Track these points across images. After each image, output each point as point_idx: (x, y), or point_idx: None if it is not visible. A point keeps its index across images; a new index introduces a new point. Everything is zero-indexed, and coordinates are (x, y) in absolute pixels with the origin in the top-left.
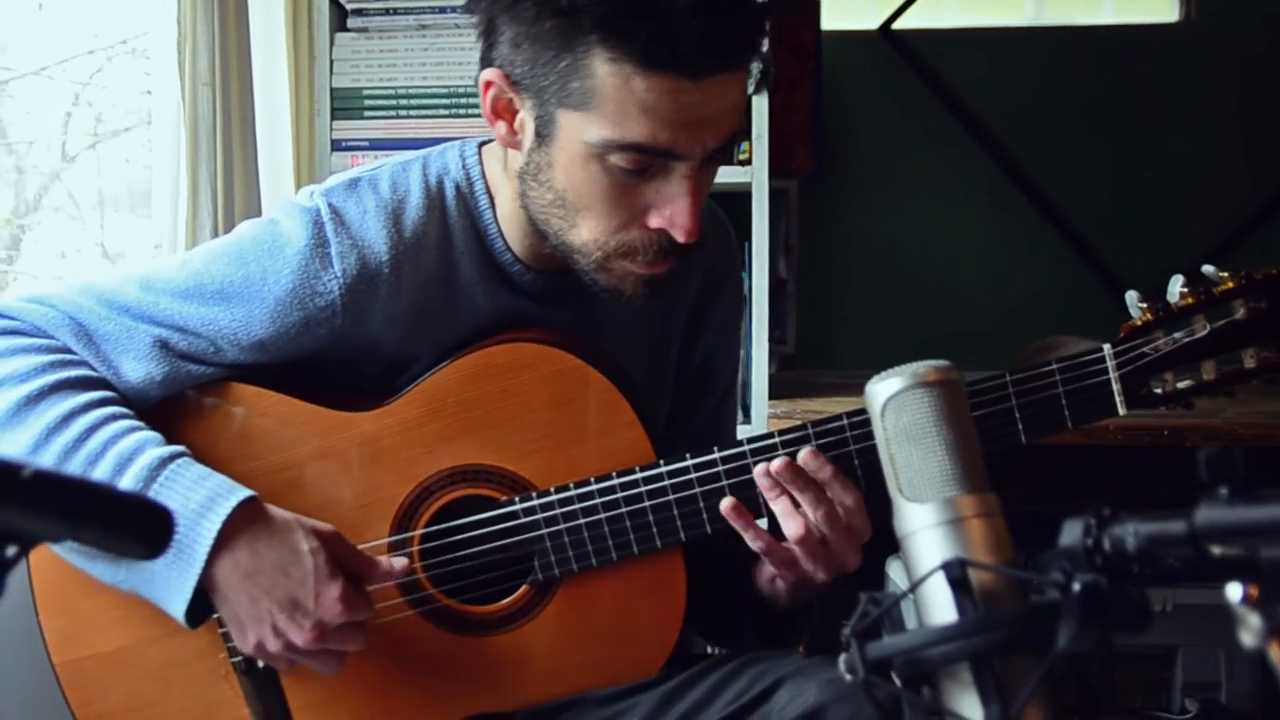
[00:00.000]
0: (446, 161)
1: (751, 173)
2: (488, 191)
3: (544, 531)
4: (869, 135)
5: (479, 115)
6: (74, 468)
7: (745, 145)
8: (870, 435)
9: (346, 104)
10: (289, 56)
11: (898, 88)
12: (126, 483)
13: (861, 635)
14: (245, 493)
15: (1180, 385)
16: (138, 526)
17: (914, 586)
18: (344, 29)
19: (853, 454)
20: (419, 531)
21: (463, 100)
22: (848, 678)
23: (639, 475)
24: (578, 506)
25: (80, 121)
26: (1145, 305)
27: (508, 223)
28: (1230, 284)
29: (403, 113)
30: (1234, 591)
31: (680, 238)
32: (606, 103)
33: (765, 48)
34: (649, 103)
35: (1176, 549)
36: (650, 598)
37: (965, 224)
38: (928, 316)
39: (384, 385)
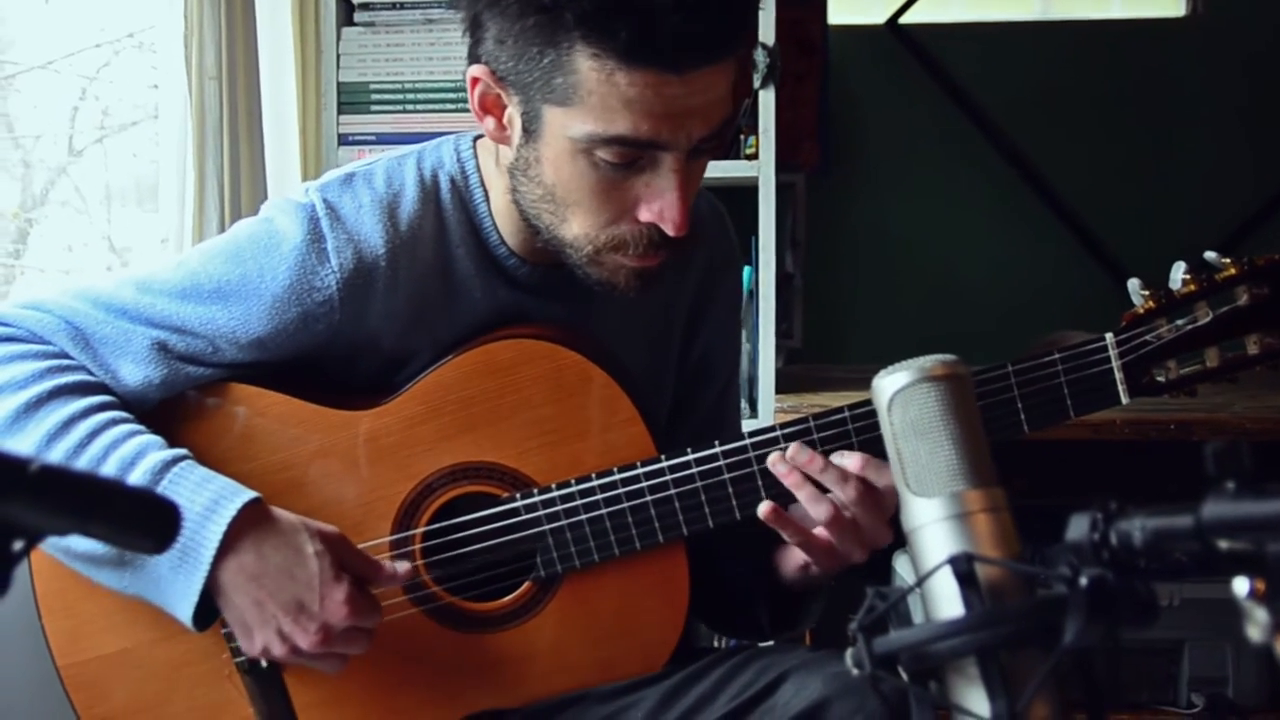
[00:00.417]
0: (441, 155)
1: (758, 167)
2: (482, 185)
3: (546, 528)
4: (876, 129)
5: None
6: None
7: (752, 140)
8: (873, 428)
9: (353, 98)
10: (295, 51)
11: (905, 82)
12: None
13: (868, 629)
14: (250, 495)
15: (1184, 372)
16: (144, 520)
17: (921, 581)
18: (350, 23)
19: (855, 446)
20: (421, 529)
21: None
22: (854, 672)
23: (640, 470)
24: (579, 502)
25: (87, 115)
26: (1148, 293)
27: (502, 217)
28: (1232, 270)
29: (409, 107)
30: (1241, 586)
31: (670, 230)
32: (590, 98)
33: (771, 42)
34: (632, 97)
35: (1183, 543)
36: (653, 592)
37: (972, 218)
38: (934, 311)
39: (383, 382)
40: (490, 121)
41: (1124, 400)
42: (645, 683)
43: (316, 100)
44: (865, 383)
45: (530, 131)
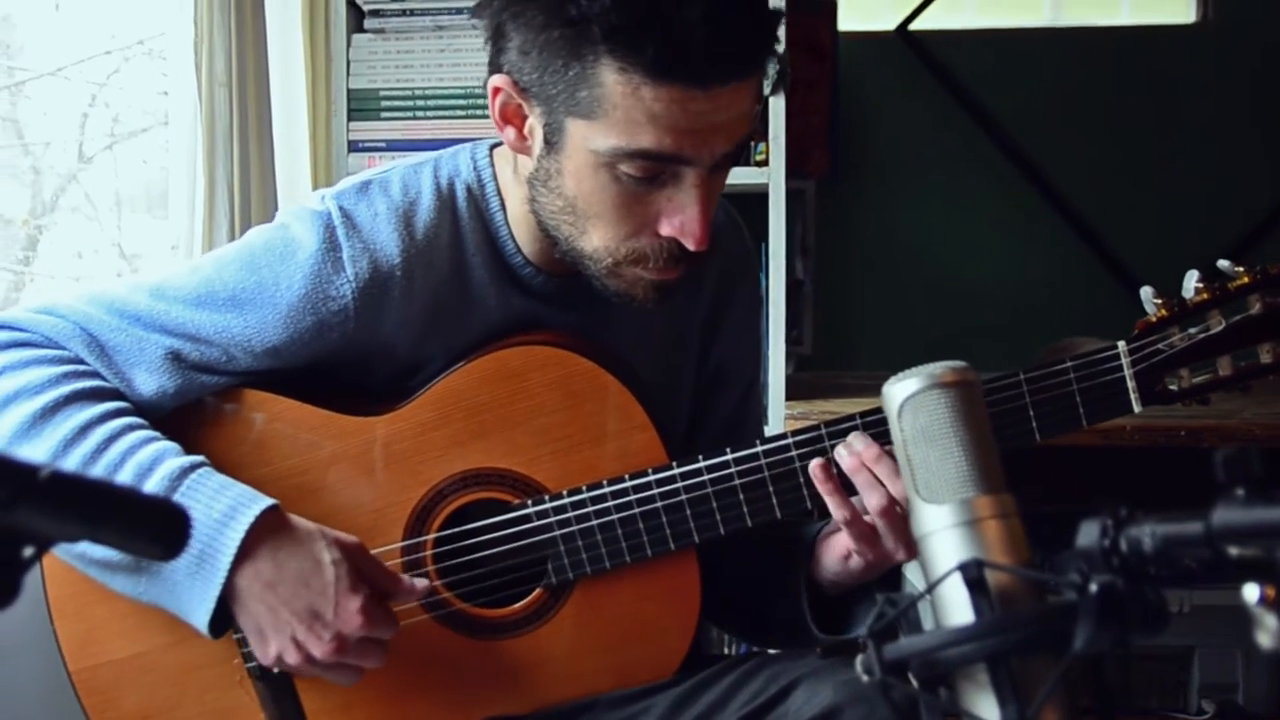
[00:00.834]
0: (458, 164)
1: (768, 174)
2: (499, 194)
3: (557, 534)
4: (886, 136)
5: None
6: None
7: (762, 146)
8: (885, 435)
9: (363, 105)
10: (306, 57)
11: (915, 89)
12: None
13: (878, 636)
14: (267, 502)
15: (1196, 381)
16: (154, 527)
17: (931, 587)
18: (361, 30)
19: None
20: (432, 535)
21: (479, 101)
22: (864, 678)
23: (651, 477)
24: (590, 509)
25: (97, 122)
26: (1160, 301)
27: (519, 225)
28: (1246, 279)
29: (419, 114)
30: (1251, 592)
31: (690, 245)
32: (615, 111)
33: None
34: (657, 112)
35: (1193, 550)
36: (664, 599)
37: (982, 224)
38: (945, 317)
39: (395, 388)
40: (511, 131)
41: (1136, 409)
42: (656, 689)
43: (327, 107)
44: (875, 389)
45: (552, 143)
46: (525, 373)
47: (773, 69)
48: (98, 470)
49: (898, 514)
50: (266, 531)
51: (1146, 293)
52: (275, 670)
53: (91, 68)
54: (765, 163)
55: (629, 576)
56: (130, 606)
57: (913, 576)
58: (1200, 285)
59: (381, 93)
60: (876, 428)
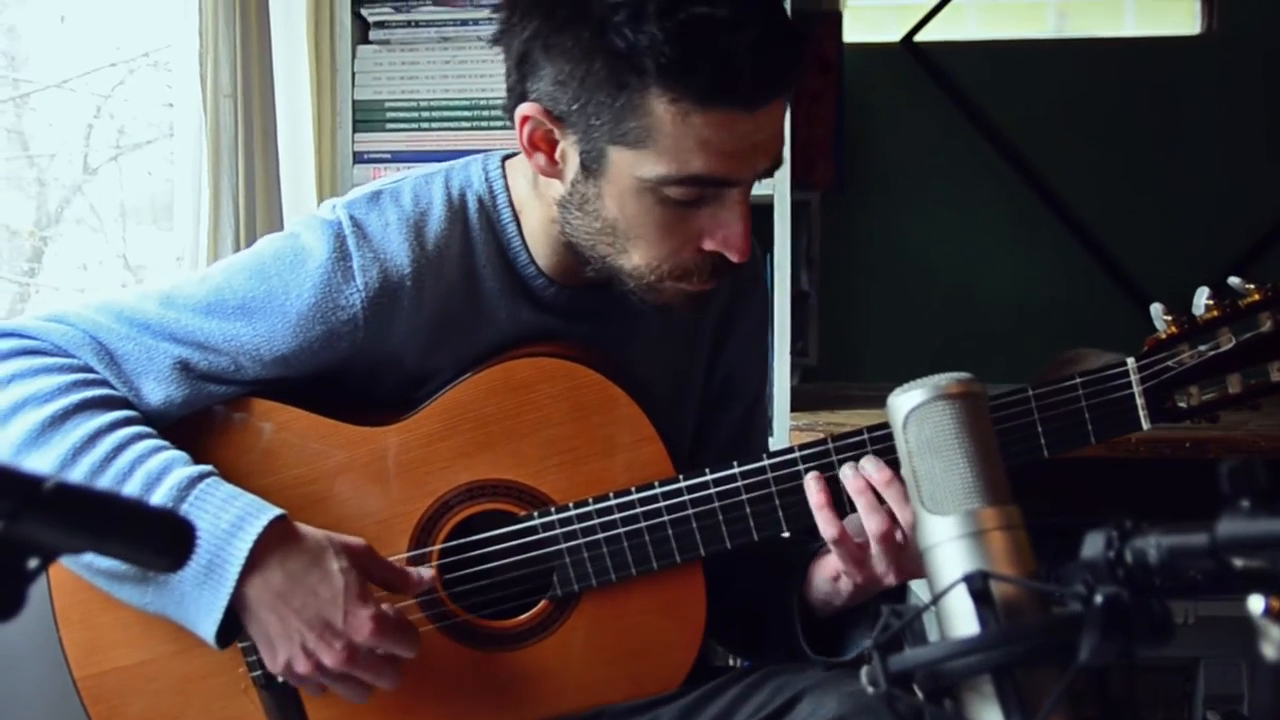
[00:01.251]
0: (469, 175)
1: (774, 185)
2: (511, 206)
3: (563, 546)
4: (891, 147)
5: (501, 127)
6: (102, 487)
7: None
8: (892, 450)
9: (368, 116)
10: (311, 69)
11: (920, 100)
12: (155, 502)
13: (883, 647)
14: (275, 511)
15: (1206, 398)
16: (160, 538)
17: (936, 599)
18: (366, 41)
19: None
20: (438, 546)
21: (485, 112)
22: (870, 690)
23: (658, 490)
24: (596, 522)
25: (102, 134)
26: (1170, 318)
27: (534, 238)
28: (1256, 296)
29: (424, 125)
30: (1256, 604)
31: (734, 258)
32: (664, 139)
33: None
34: (708, 137)
35: (1198, 561)
36: (670, 612)
37: (988, 236)
38: (950, 329)
39: (402, 398)
40: (540, 158)
41: (1145, 426)
42: (661, 701)
43: (332, 118)
44: (880, 401)
45: (591, 169)
46: (533, 384)
47: None
48: (106, 479)
49: (895, 541)
50: (275, 541)
51: (1156, 309)
52: (281, 679)
53: (97, 79)
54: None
55: (635, 589)
56: (136, 614)
57: (918, 588)
58: (1210, 302)
59: (386, 104)
60: (884, 442)
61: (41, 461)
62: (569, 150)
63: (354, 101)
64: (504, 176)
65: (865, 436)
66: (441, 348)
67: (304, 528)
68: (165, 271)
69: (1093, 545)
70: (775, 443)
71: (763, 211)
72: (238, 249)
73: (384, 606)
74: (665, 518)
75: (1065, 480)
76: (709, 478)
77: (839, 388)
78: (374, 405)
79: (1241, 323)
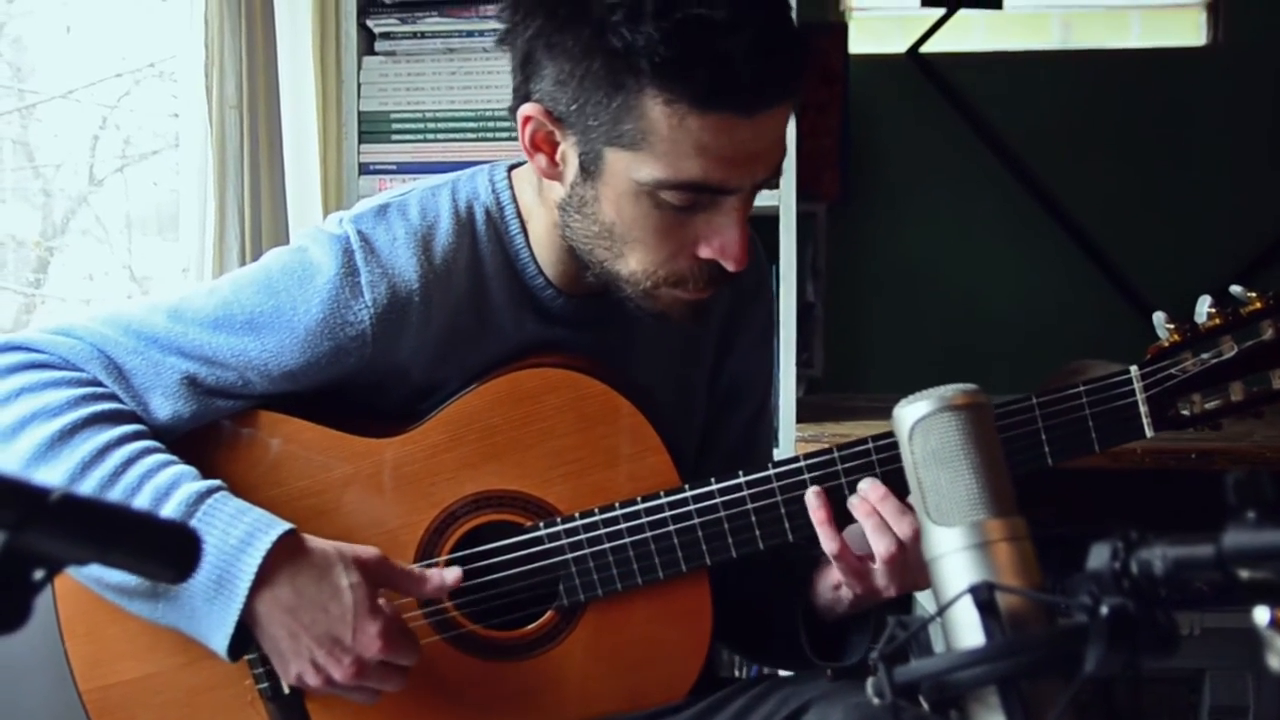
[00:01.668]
0: (476, 186)
1: (779, 196)
2: (518, 215)
3: (569, 556)
4: (897, 159)
5: (506, 139)
6: (109, 500)
7: None
8: (896, 459)
9: (374, 127)
10: (316, 80)
11: (925, 111)
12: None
13: (889, 659)
14: (284, 526)
15: (1208, 406)
16: (166, 550)
17: (942, 610)
18: (371, 52)
19: (879, 478)
20: (444, 558)
21: (490, 123)
22: (875, 701)
23: (663, 500)
24: (602, 532)
25: (108, 145)
26: (1172, 326)
27: (540, 247)
28: (1258, 304)
29: (430, 136)
30: (1262, 615)
31: (730, 267)
32: (660, 143)
33: None
34: (703, 141)
35: (1204, 573)
36: (676, 622)
37: (993, 247)
38: (956, 339)
39: (410, 409)
40: (542, 159)
41: (1149, 434)
42: (667, 712)
43: (337, 129)
44: (885, 412)
45: (589, 171)
46: (538, 395)
47: None
48: (115, 493)
49: (899, 560)
50: (284, 556)
51: (1159, 318)
52: (285, 688)
53: (102, 90)
54: (776, 185)
55: (641, 598)
56: (142, 627)
57: (923, 599)
58: (1213, 310)
59: (392, 115)
60: (889, 451)
61: (50, 476)
62: (569, 152)
63: (359, 112)
64: (510, 186)
65: (870, 445)
66: (449, 360)
67: (313, 541)
68: (170, 283)
69: (1098, 556)
70: (780, 454)
71: (768, 223)
72: (243, 260)
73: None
74: (671, 528)
75: (1071, 491)
76: (714, 487)
77: (844, 399)
78: (381, 417)
79: (1243, 331)
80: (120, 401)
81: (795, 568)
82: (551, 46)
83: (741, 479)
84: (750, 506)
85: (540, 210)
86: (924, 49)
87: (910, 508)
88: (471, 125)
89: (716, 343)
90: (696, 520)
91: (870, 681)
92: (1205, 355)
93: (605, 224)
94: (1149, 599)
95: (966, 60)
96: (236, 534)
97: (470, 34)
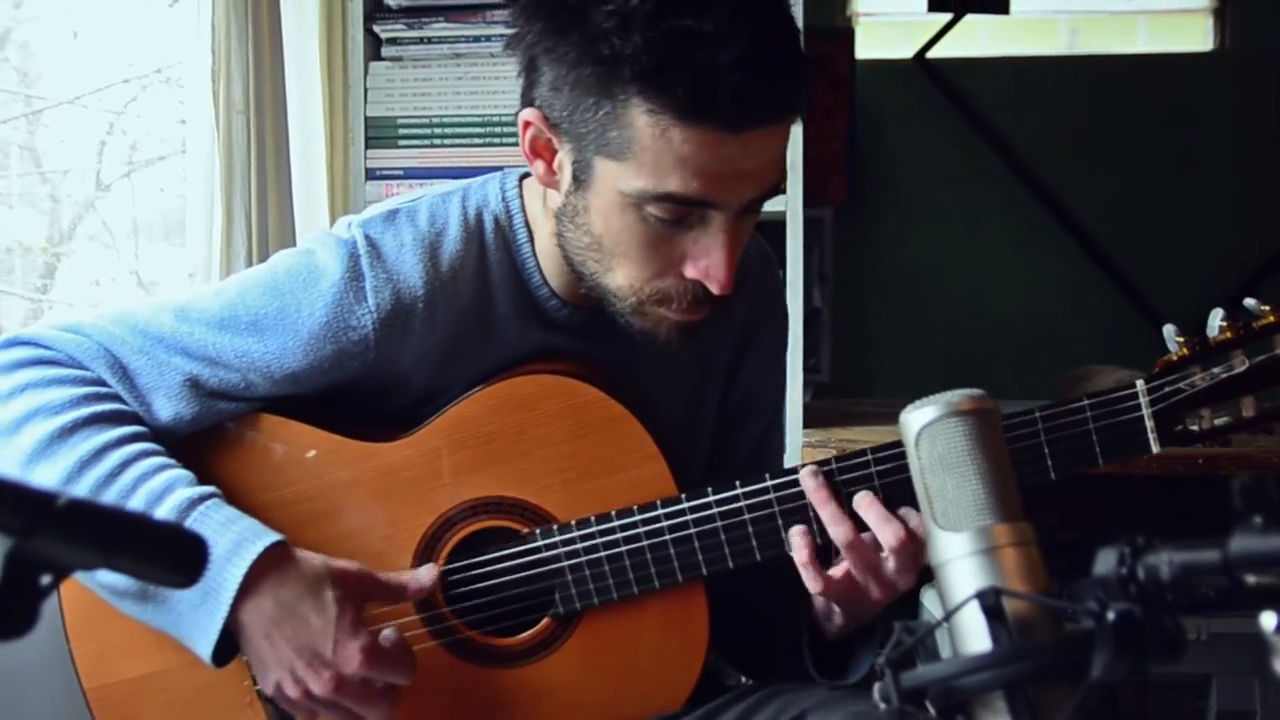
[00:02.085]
0: (487, 194)
1: (786, 201)
2: (527, 226)
3: (565, 565)
4: (903, 164)
5: (514, 145)
6: (104, 502)
7: None
8: (896, 471)
9: (381, 133)
10: (323, 85)
11: (932, 116)
12: None
13: (895, 664)
14: (273, 537)
15: (1218, 422)
16: (172, 555)
17: (948, 615)
18: (378, 58)
19: (877, 490)
20: (441, 565)
21: (497, 129)
22: (882, 706)
23: (660, 510)
24: (599, 540)
25: (115, 150)
26: (1182, 340)
27: (546, 258)
28: (1271, 318)
29: (437, 142)
30: (1268, 620)
31: (715, 289)
32: (644, 153)
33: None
34: (686, 155)
35: (1211, 578)
36: (672, 631)
37: (1000, 252)
38: (962, 344)
39: (411, 415)
40: (540, 165)
41: (1154, 449)
42: None
43: (344, 135)
44: (892, 417)
45: (580, 180)
46: (536, 401)
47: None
48: (110, 495)
49: (865, 548)
50: (271, 567)
51: (1169, 330)
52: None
53: (109, 96)
54: (782, 190)
55: (637, 607)
56: (145, 628)
57: (930, 604)
58: (1224, 324)
59: (399, 120)
60: (888, 463)
61: (48, 473)
62: (564, 159)
63: (366, 118)
64: (521, 195)
65: (869, 458)
66: (452, 367)
67: (301, 553)
68: (177, 288)
69: (1105, 562)
70: (787, 459)
71: (775, 227)
72: (250, 265)
73: (385, 632)
74: (667, 536)
75: (1077, 496)
76: (712, 498)
77: (851, 404)
78: (383, 422)
79: (1256, 345)
80: (123, 401)
81: (796, 583)
82: (549, 52)
83: (739, 489)
84: (748, 517)
85: (544, 220)
86: (931, 54)
87: (895, 515)
88: (479, 130)
89: (730, 355)
90: (693, 530)
91: (876, 687)
92: (1215, 369)
93: (595, 235)
94: (1156, 604)
95: (973, 65)
96: (225, 543)
97: (477, 39)
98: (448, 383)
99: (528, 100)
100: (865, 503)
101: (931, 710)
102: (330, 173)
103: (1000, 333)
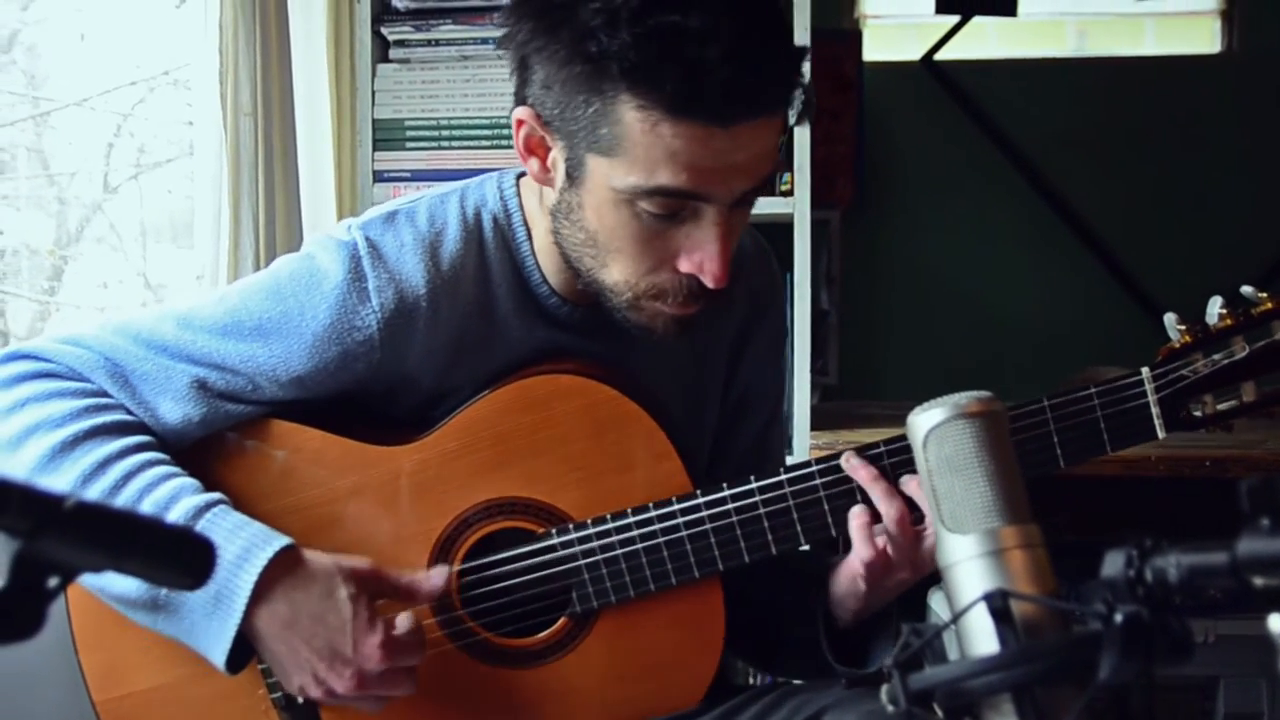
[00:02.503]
0: (484, 193)
1: (793, 203)
2: (525, 224)
3: (581, 564)
4: (911, 166)
5: None
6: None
7: (787, 176)
8: (907, 463)
9: (388, 135)
10: (331, 87)
11: (940, 118)
12: None
13: (904, 666)
14: (282, 541)
15: (1220, 407)
16: (180, 557)
17: (956, 617)
18: (386, 60)
19: (888, 473)
20: (457, 565)
21: (505, 131)
22: (890, 709)
23: (676, 507)
24: (615, 539)
25: (122, 152)
26: (1184, 328)
27: (545, 256)
28: (1269, 305)
29: (444, 144)
30: (1276, 622)
31: (709, 283)
32: (634, 149)
33: (807, 79)
34: (676, 149)
35: (1218, 580)
36: (689, 629)
37: (1007, 254)
38: (970, 346)
39: (421, 418)
40: (534, 163)
41: (1160, 435)
42: (680, 719)
43: (352, 137)
44: (900, 419)
45: (574, 177)
46: (549, 401)
47: (798, 99)
48: (116, 506)
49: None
50: (282, 571)
51: (1170, 319)
52: (299, 698)
53: (117, 98)
54: (790, 192)
55: (653, 605)
56: (155, 638)
57: (938, 606)
58: (1224, 311)
59: (406, 123)
60: (899, 455)
61: (51, 487)
62: (558, 157)
63: (374, 120)
64: (518, 194)
65: (882, 449)
66: (459, 367)
67: (311, 555)
68: (185, 290)
69: (1113, 564)
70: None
71: (782, 229)
72: (258, 267)
73: (400, 617)
74: (683, 534)
75: (1085, 498)
76: (727, 493)
77: (859, 406)
78: (393, 425)
79: (1255, 331)
80: (126, 412)
81: (813, 578)
82: (539, 51)
83: (753, 484)
84: (762, 512)
85: (542, 217)
86: (938, 56)
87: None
88: (486, 132)
89: (729, 353)
90: (709, 526)
91: (885, 689)
92: (1217, 356)
93: (590, 232)
94: (1163, 606)
95: (981, 67)
96: (234, 548)
97: (484, 41)
98: (456, 383)
99: (520, 98)
100: (914, 485)
101: (939, 712)
102: (338, 175)
103: (1008, 335)
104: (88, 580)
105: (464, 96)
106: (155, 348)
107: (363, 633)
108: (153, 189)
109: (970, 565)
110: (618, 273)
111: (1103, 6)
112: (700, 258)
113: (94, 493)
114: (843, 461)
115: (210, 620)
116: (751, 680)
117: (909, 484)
